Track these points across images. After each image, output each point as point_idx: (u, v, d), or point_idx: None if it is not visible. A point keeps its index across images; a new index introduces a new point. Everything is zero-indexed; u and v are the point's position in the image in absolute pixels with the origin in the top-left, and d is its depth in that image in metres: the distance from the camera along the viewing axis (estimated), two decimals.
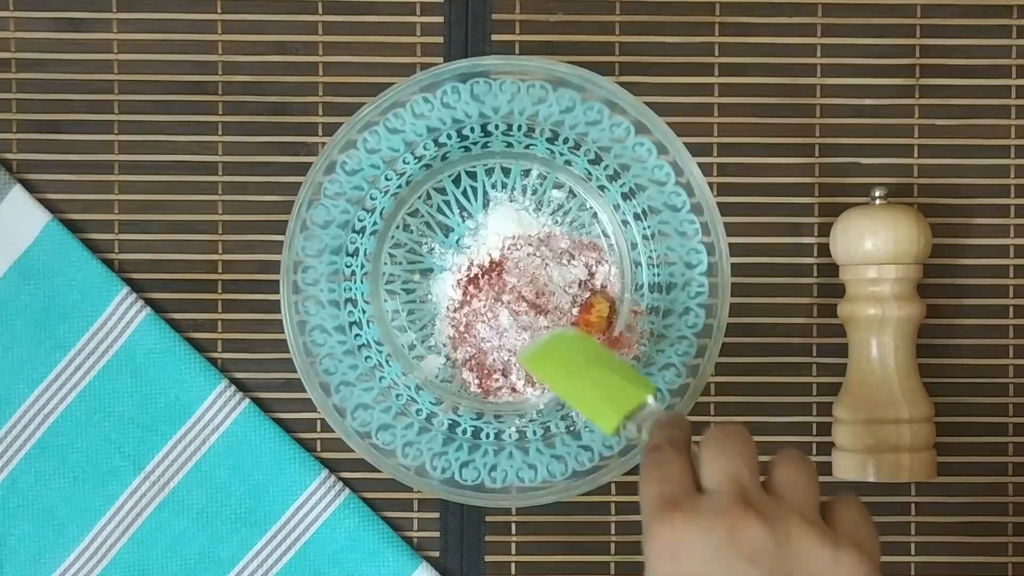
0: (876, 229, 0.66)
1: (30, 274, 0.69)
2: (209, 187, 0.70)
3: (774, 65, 0.70)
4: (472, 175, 0.68)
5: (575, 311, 0.67)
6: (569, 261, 0.68)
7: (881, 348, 0.67)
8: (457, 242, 0.68)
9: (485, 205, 0.68)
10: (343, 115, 0.68)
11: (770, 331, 0.70)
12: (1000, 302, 0.70)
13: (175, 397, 0.69)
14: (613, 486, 0.69)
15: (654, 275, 0.66)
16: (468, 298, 0.67)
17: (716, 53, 0.70)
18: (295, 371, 0.64)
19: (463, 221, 0.68)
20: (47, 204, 0.69)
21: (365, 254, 0.67)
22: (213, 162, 0.70)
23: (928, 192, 0.70)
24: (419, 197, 0.68)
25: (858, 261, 0.67)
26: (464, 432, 0.66)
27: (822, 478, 0.70)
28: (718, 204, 0.63)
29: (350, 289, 0.66)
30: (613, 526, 0.70)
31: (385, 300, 0.68)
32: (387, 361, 0.67)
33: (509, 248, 0.68)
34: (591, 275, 0.68)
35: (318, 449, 0.70)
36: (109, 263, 0.70)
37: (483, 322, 0.67)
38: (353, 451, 0.64)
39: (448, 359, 0.68)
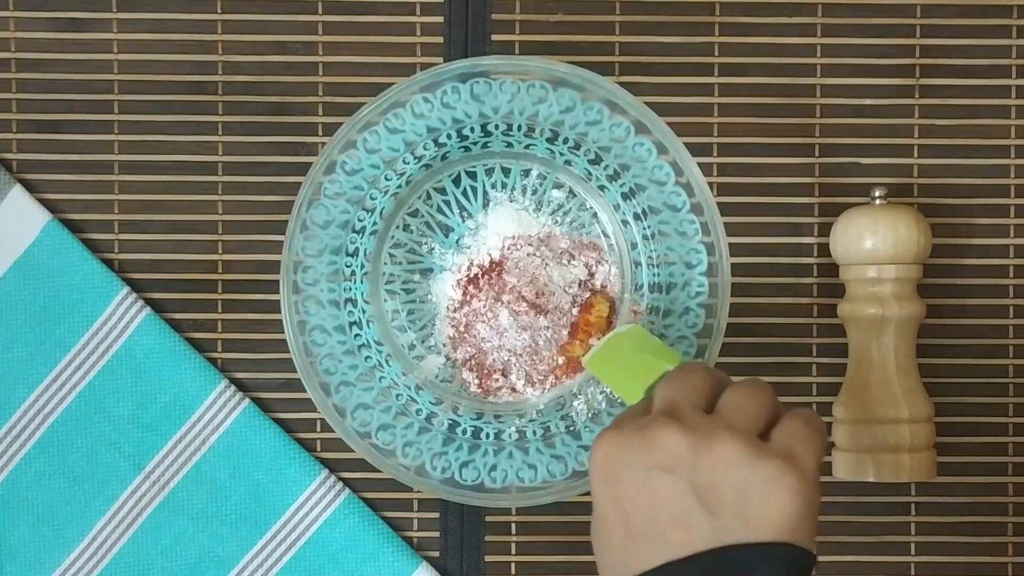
0: (876, 229, 0.66)
1: (30, 274, 0.69)
2: (209, 187, 0.70)
3: (774, 65, 0.70)
4: (472, 175, 0.68)
5: (575, 311, 0.67)
6: (569, 261, 0.68)
7: (881, 348, 0.67)
8: (457, 242, 0.68)
9: (485, 205, 0.68)
10: (343, 115, 0.68)
11: (770, 331, 0.70)
12: (1000, 302, 0.70)
13: (175, 397, 0.69)
14: None
15: (654, 275, 0.66)
16: (468, 298, 0.67)
17: (716, 53, 0.70)
18: (295, 371, 0.64)
19: (463, 221, 0.68)
20: (47, 204, 0.69)
21: (365, 254, 0.67)
22: (213, 162, 0.70)
23: (928, 192, 0.70)
24: (419, 197, 0.68)
25: (858, 261, 0.67)
26: (464, 432, 0.66)
27: (822, 478, 0.71)
28: (718, 204, 0.63)
29: (350, 289, 0.66)
30: None
31: (385, 300, 0.68)
32: (387, 361, 0.67)
33: (509, 248, 0.68)
34: (591, 275, 0.68)
35: (318, 449, 0.70)
36: (109, 263, 0.70)
37: (483, 322, 0.67)
38: (353, 451, 0.64)
39: (448, 359, 0.68)
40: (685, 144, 0.63)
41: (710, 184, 0.66)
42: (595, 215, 0.68)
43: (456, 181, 0.68)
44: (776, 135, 0.70)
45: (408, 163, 0.66)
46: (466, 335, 0.67)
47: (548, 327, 0.66)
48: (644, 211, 0.66)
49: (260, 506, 0.69)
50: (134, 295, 0.69)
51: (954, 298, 0.70)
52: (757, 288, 0.70)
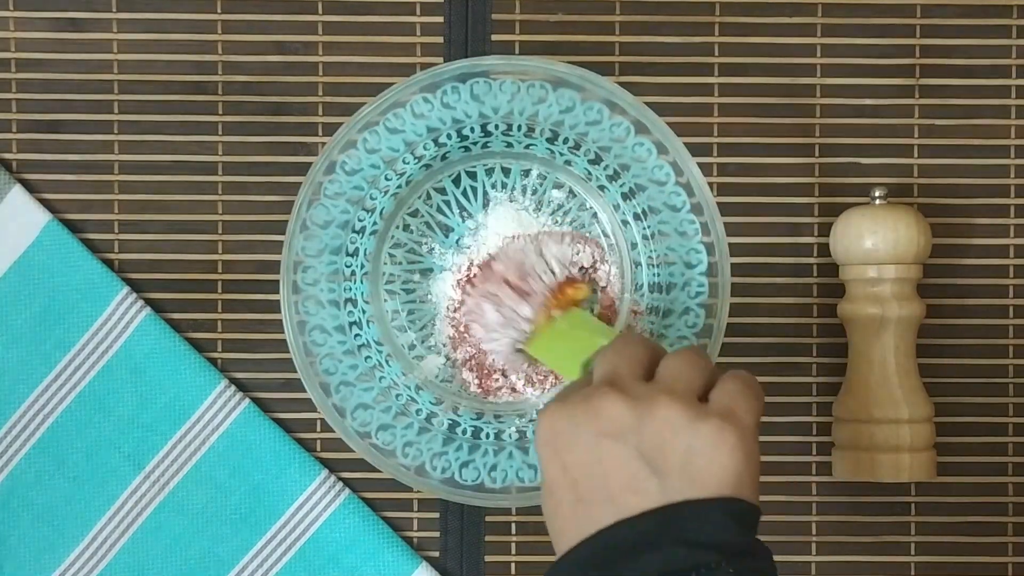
0: (876, 229, 0.66)
1: (30, 274, 0.69)
2: (209, 187, 0.70)
3: (774, 65, 0.70)
4: (472, 175, 0.68)
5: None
6: (571, 243, 0.67)
7: (881, 348, 0.67)
8: (457, 242, 0.68)
9: (485, 205, 0.68)
10: (343, 115, 0.68)
11: (770, 331, 0.70)
12: (1000, 302, 0.70)
13: (175, 397, 0.69)
14: None
15: (654, 275, 0.66)
16: (468, 298, 0.67)
17: (716, 53, 0.70)
18: (295, 371, 0.64)
19: (463, 221, 0.68)
20: (47, 204, 0.69)
21: (365, 254, 0.67)
22: (213, 162, 0.70)
23: (928, 192, 0.70)
24: (419, 197, 0.68)
25: (858, 261, 0.67)
26: (464, 432, 0.66)
27: (822, 478, 0.71)
28: (718, 204, 0.63)
29: (350, 289, 0.66)
30: None
31: (385, 300, 0.68)
32: (387, 361, 0.67)
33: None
34: (593, 268, 0.68)
35: (318, 449, 0.70)
36: (109, 263, 0.70)
37: (473, 320, 0.67)
38: (353, 451, 0.64)
39: (448, 359, 0.68)
40: (685, 144, 0.63)
41: (710, 184, 0.66)
42: (595, 215, 0.68)
43: (456, 181, 0.68)
44: (776, 135, 0.70)
45: (408, 163, 0.66)
46: (466, 335, 0.67)
47: (529, 319, 0.65)
48: (644, 211, 0.66)
49: (260, 506, 0.69)
50: (134, 295, 0.69)
51: (954, 298, 0.70)
52: (757, 288, 0.70)
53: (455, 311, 0.68)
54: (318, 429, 0.70)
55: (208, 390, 0.69)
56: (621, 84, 0.63)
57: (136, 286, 0.70)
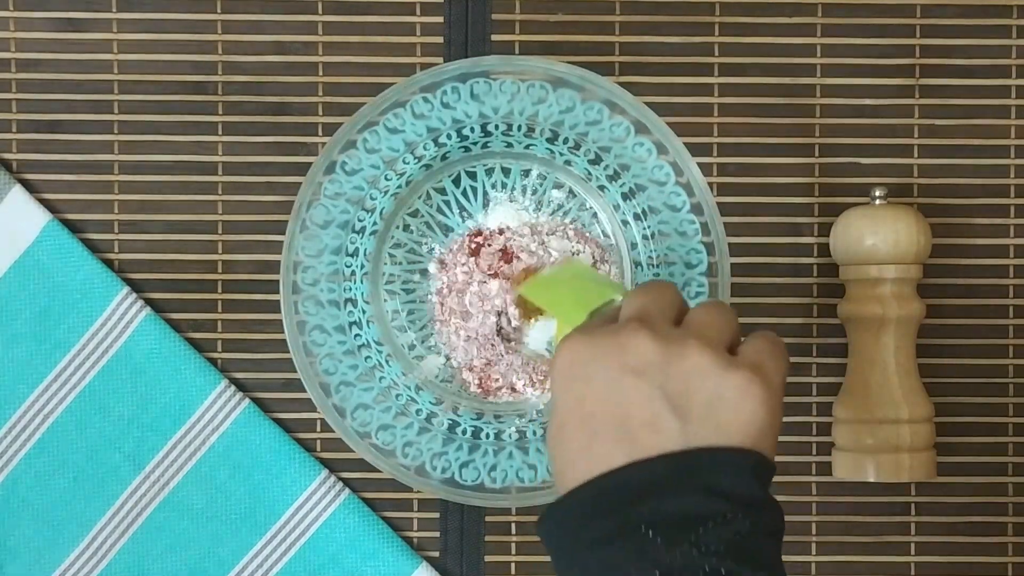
0: (876, 229, 0.66)
1: (30, 274, 0.69)
2: (209, 187, 0.70)
3: (774, 65, 0.70)
4: (472, 175, 0.68)
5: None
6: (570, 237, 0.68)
7: (881, 348, 0.67)
8: None
9: (485, 205, 0.68)
10: (343, 115, 0.68)
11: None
12: (1000, 302, 0.70)
13: (175, 397, 0.69)
14: None
15: (654, 275, 0.66)
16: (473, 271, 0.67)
17: (716, 53, 0.70)
18: (295, 371, 0.64)
19: (463, 221, 0.68)
20: (47, 204, 0.69)
21: (365, 254, 0.67)
22: (213, 162, 0.70)
23: (928, 192, 0.70)
24: (419, 197, 0.68)
25: (858, 261, 0.67)
26: (464, 432, 0.66)
27: (822, 478, 0.71)
28: (718, 204, 0.63)
29: (350, 289, 0.66)
30: None
31: (385, 300, 0.68)
32: (387, 361, 0.67)
33: None
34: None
35: (318, 449, 0.70)
36: (109, 263, 0.70)
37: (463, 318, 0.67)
38: (353, 451, 0.64)
39: (448, 359, 0.68)
40: (685, 144, 0.63)
41: (710, 184, 0.66)
42: (595, 215, 0.68)
43: (456, 181, 0.68)
44: (776, 135, 0.70)
45: (408, 163, 0.66)
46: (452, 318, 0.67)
47: (505, 291, 0.65)
48: (644, 211, 0.66)
49: (260, 506, 0.69)
50: (134, 295, 0.69)
51: (954, 298, 0.70)
52: (757, 288, 0.70)
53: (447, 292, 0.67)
54: (318, 429, 0.70)
55: (208, 390, 0.69)
56: (621, 84, 0.63)
57: (136, 286, 0.70)
